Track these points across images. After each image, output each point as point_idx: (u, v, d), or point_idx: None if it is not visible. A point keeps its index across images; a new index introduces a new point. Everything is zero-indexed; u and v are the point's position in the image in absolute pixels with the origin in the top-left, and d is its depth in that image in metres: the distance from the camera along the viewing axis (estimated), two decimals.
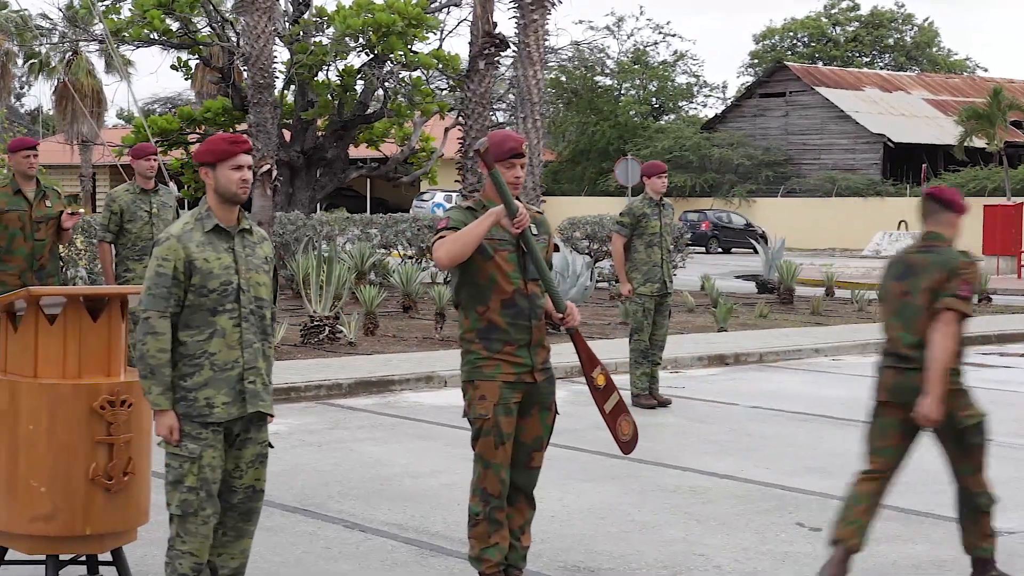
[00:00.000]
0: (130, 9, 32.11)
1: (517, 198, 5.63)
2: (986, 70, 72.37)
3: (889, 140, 52.21)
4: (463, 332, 5.75)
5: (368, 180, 45.06)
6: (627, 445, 6.02)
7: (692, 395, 12.05)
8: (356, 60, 32.89)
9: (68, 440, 5.27)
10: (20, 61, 46.40)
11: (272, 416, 5.16)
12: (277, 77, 26.04)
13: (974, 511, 6.00)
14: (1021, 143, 52.54)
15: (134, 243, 10.17)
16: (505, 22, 72.46)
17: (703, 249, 45.04)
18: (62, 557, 5.47)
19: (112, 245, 10.23)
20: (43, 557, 5.43)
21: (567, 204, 46.94)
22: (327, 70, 32.50)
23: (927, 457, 6.95)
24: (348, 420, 10.55)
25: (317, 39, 31.63)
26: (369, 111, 33.28)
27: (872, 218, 46.96)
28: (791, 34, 70.36)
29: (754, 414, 11.11)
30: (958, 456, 5.99)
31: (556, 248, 16.55)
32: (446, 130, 33.74)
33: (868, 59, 68.83)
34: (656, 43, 70.47)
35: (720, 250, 46.88)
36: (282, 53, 30.34)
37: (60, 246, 9.91)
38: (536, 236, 5.74)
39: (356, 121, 33.06)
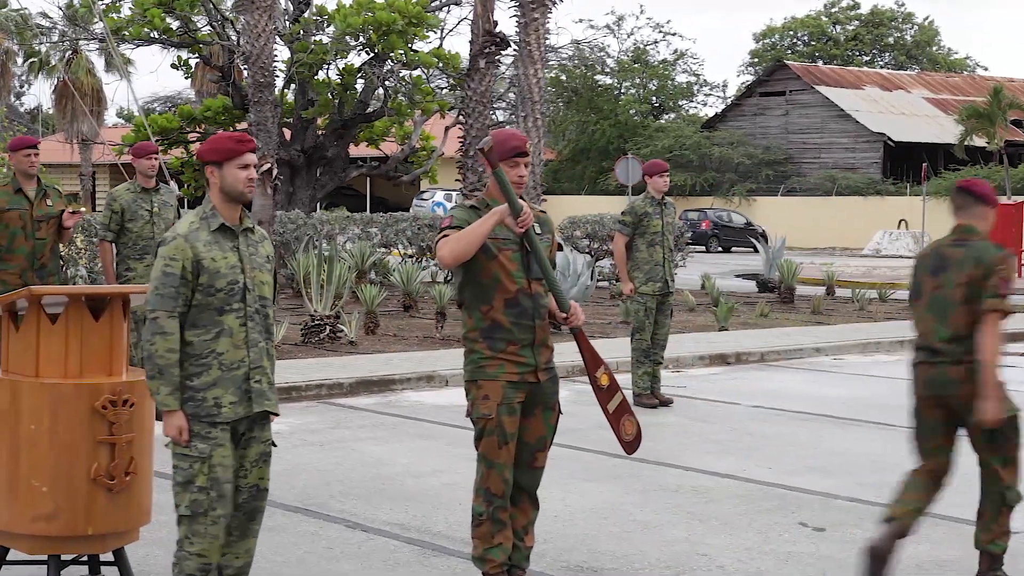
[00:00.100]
0: (130, 8, 32.12)
1: (521, 197, 5.62)
2: (986, 69, 72.45)
3: (889, 139, 52.21)
4: (466, 331, 5.73)
5: (368, 179, 45.07)
6: (630, 445, 6.00)
7: (693, 394, 12.04)
8: (356, 59, 32.94)
9: (70, 440, 5.26)
10: (20, 60, 46.34)
11: (277, 415, 5.15)
12: (277, 76, 26.06)
13: (998, 503, 5.95)
14: (1021, 142, 52.56)
15: (135, 242, 10.16)
16: (506, 21, 72.36)
17: (703, 248, 45.03)
18: (64, 557, 5.45)
19: (113, 244, 10.22)
20: (45, 557, 5.42)
21: (567, 203, 46.93)
22: (327, 69, 32.49)
23: None
24: (349, 419, 10.54)
25: (317, 38, 31.61)
26: (369, 110, 33.27)
27: (872, 217, 46.98)
28: (791, 33, 70.36)
29: (755, 413, 11.10)
30: (989, 449, 5.94)
31: (560, 247, 16.53)
32: (446, 129, 33.73)
33: (868, 58, 68.83)
34: (656, 42, 71.04)
35: (720, 249, 46.84)
36: (282, 52, 30.37)
37: (61, 245, 9.89)
38: (540, 235, 5.73)
39: (356, 120, 33.04)
